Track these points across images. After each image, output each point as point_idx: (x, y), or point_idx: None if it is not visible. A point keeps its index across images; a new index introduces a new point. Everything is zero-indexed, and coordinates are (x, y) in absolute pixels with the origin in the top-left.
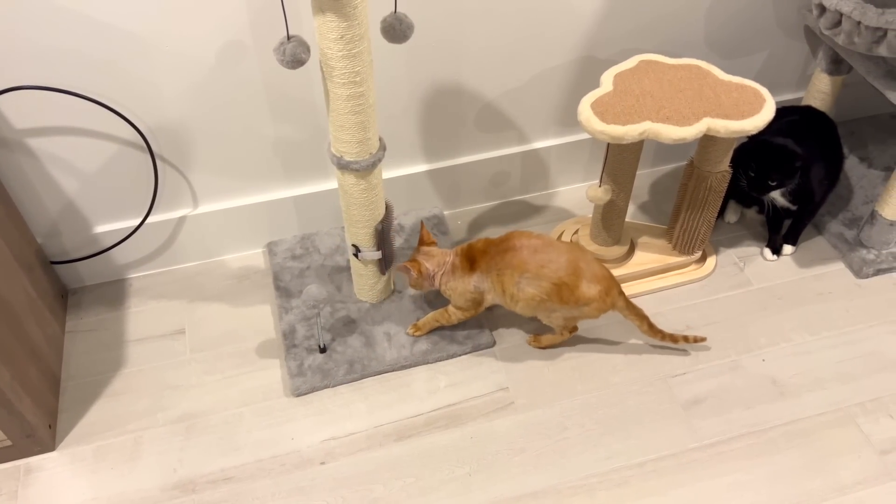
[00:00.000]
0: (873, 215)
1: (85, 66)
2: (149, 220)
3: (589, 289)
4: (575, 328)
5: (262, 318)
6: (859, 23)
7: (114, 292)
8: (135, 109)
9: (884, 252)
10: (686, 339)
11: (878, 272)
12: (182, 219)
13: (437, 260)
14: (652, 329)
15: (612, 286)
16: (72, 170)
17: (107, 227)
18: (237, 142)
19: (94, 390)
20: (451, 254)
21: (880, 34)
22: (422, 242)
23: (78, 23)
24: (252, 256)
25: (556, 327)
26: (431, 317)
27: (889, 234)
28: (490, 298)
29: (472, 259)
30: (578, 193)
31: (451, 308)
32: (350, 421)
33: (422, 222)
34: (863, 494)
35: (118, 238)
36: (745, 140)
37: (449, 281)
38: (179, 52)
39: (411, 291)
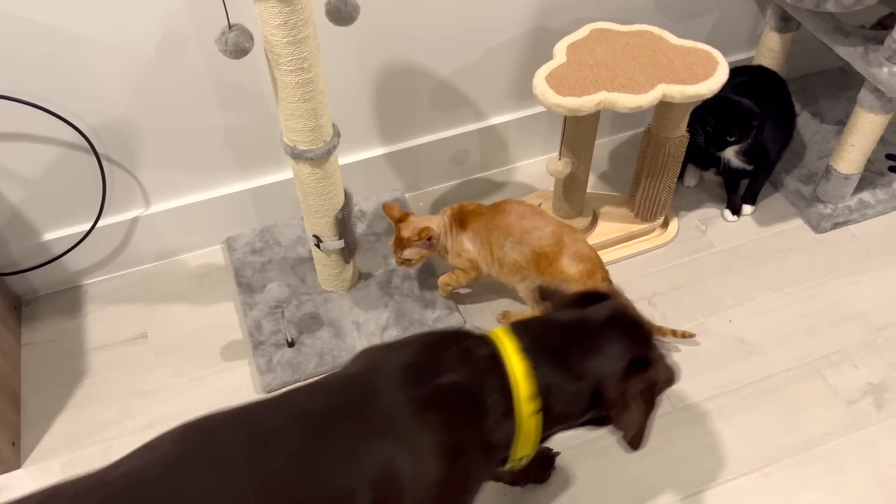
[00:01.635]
0: (828, 170)
1: (17, 68)
2: (100, 223)
3: (570, 266)
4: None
5: (226, 316)
6: None
7: (69, 300)
8: (74, 110)
9: (840, 206)
10: (674, 333)
11: (836, 226)
12: (135, 220)
13: (436, 221)
14: None
15: (597, 270)
16: (14, 177)
17: (57, 234)
18: (186, 136)
19: (57, 403)
20: (441, 215)
21: None
22: (399, 220)
23: (5, 22)
24: (211, 253)
25: (529, 303)
26: (442, 280)
27: (844, 187)
28: (481, 262)
29: (463, 218)
30: (539, 167)
31: (455, 271)
32: None
33: (384, 204)
34: (833, 445)
35: (69, 244)
36: (701, 109)
37: (447, 241)
38: (117, 47)
39: (378, 271)
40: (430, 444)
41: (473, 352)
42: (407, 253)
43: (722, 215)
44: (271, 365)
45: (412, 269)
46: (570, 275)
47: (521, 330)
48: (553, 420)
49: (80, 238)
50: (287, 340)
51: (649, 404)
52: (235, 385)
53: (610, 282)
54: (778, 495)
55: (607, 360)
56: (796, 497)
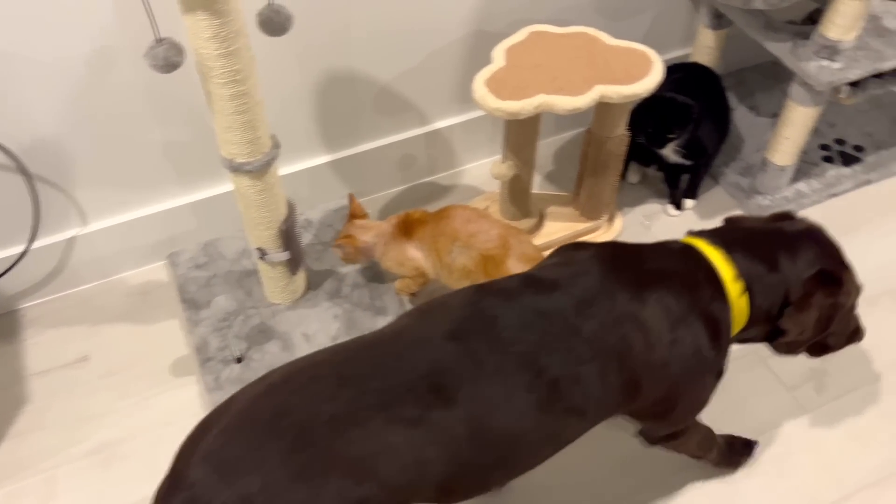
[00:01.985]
0: (764, 162)
1: None
2: (34, 245)
3: (516, 267)
4: None
5: (171, 334)
6: None
7: (6, 325)
8: (3, 128)
9: (777, 196)
10: None
11: None
12: (72, 240)
13: (375, 231)
14: None
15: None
16: None
17: None
18: (122, 152)
19: None
20: (387, 223)
21: None
22: (353, 216)
23: None
24: (153, 270)
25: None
26: (396, 286)
27: (780, 178)
28: (429, 269)
29: (408, 227)
30: (486, 169)
31: (401, 280)
32: None
33: (350, 195)
34: (778, 431)
35: (2, 268)
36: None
37: (388, 251)
38: (44, 62)
39: (327, 281)
40: (661, 310)
41: (668, 245)
42: (335, 248)
43: (665, 210)
44: (219, 382)
45: (353, 264)
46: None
47: (709, 234)
48: (755, 312)
49: (14, 261)
50: (235, 356)
51: (825, 320)
52: (183, 404)
53: None
54: (726, 483)
55: (799, 264)
56: (743, 484)
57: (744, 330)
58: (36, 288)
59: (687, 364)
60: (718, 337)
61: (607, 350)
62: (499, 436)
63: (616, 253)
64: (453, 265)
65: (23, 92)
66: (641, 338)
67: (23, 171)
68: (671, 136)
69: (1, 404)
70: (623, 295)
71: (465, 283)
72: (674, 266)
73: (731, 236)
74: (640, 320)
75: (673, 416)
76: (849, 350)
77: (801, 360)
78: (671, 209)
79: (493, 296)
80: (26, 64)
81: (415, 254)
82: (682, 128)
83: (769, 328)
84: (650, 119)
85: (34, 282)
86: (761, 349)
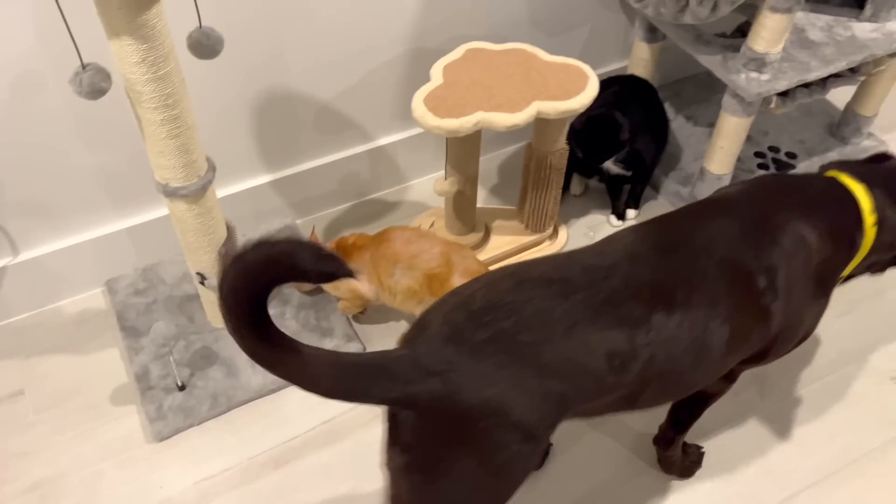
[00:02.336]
0: (702, 171)
1: None
2: None
3: (460, 282)
4: None
5: (110, 364)
6: None
7: None
8: None
9: None
10: None
11: None
12: (2, 270)
13: None
14: None
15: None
16: None
17: None
18: (52, 178)
19: None
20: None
21: (683, 3)
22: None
23: None
24: (91, 298)
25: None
26: (339, 307)
27: (718, 186)
28: (369, 292)
29: (344, 252)
30: (430, 184)
31: (342, 301)
32: (222, 457)
33: (313, 227)
34: (723, 436)
35: None
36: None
37: None
38: None
39: (272, 303)
40: (819, 229)
41: (818, 177)
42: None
43: (608, 221)
44: (161, 412)
45: (301, 290)
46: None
47: (850, 168)
48: (878, 245)
49: None
50: (177, 384)
51: None
52: (124, 436)
53: None
54: (674, 490)
55: None
56: (692, 489)
57: (863, 260)
58: None
59: (826, 286)
60: (849, 263)
61: (783, 266)
62: (704, 344)
63: (782, 181)
64: (396, 287)
65: None
66: (803, 256)
67: None
68: (605, 155)
69: None
70: (791, 216)
71: (409, 304)
72: (829, 194)
73: (872, 173)
74: (806, 241)
75: (790, 344)
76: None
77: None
78: (614, 220)
79: (680, 219)
80: None
81: (353, 284)
82: (616, 146)
83: (878, 261)
84: (585, 139)
85: None
86: None
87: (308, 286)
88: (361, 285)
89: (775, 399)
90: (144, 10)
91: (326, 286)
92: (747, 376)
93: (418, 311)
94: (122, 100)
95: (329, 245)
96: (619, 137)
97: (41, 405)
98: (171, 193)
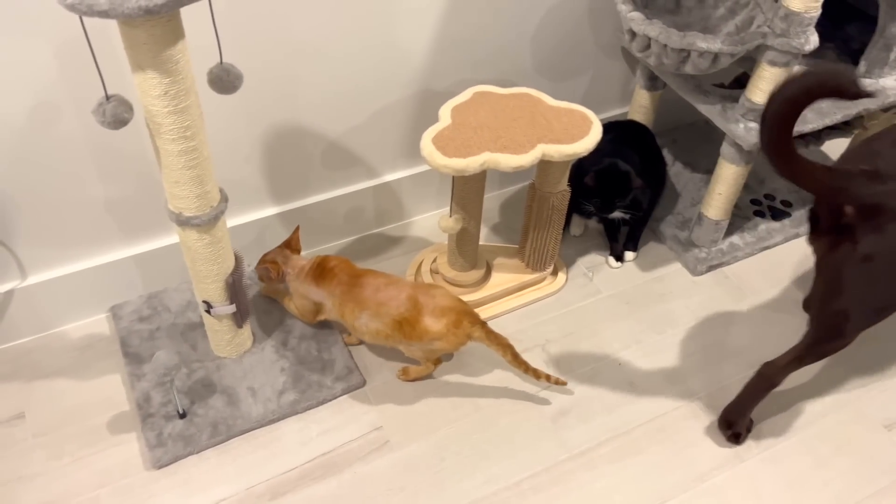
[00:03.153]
0: (700, 216)
1: None
2: None
3: (434, 323)
4: (439, 360)
5: (111, 390)
6: (665, 45)
7: None
8: None
9: (713, 249)
10: (548, 378)
11: (710, 268)
12: (9, 293)
13: (294, 264)
14: (516, 359)
15: (463, 318)
16: None
17: None
18: (64, 205)
19: None
20: (309, 262)
21: (684, 55)
22: (287, 246)
23: None
24: (95, 323)
25: (419, 359)
26: (290, 307)
27: (715, 232)
28: (329, 315)
29: (321, 272)
30: (433, 221)
31: (292, 302)
32: (220, 486)
33: (297, 227)
34: (718, 480)
35: None
36: (581, 165)
37: (293, 281)
38: None
39: (274, 334)
40: None
41: None
42: (257, 267)
43: (607, 262)
44: (161, 439)
45: (265, 288)
46: (436, 332)
47: None
48: None
49: None
50: (178, 411)
51: None
52: (122, 463)
53: (482, 324)
54: None
55: None
56: None
57: None
58: None
59: None
60: None
61: None
62: None
63: None
64: (363, 328)
65: None
66: None
67: None
68: (618, 204)
69: None
70: None
71: (379, 341)
72: None
73: None
74: None
75: None
76: (782, 399)
77: None
78: (612, 261)
79: None
80: None
81: (318, 296)
82: (626, 195)
83: None
84: (600, 192)
85: None
86: (702, 398)
87: (272, 283)
88: (325, 305)
89: (768, 443)
90: (169, 46)
91: (294, 293)
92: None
93: (402, 349)
94: (136, 131)
95: (318, 258)
96: (629, 186)
97: (40, 429)
98: (183, 223)
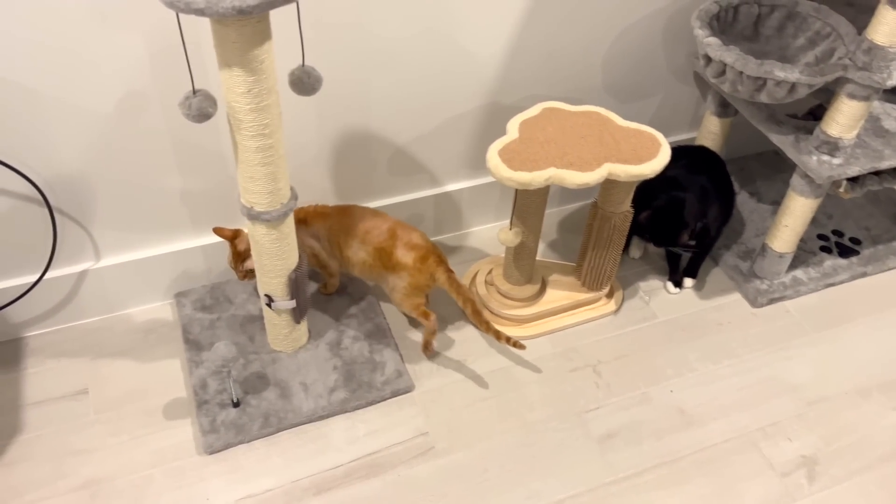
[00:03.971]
0: (764, 248)
1: None
2: (47, 275)
3: (404, 255)
4: (429, 313)
5: (170, 374)
6: (741, 73)
7: (8, 353)
8: (30, 162)
9: (775, 282)
10: (508, 340)
11: (772, 301)
12: (83, 273)
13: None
14: (476, 315)
15: (429, 255)
16: None
17: (0, 285)
18: (141, 193)
19: None
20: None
21: (760, 83)
22: (232, 238)
23: None
24: (159, 309)
25: (405, 311)
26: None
27: (779, 265)
28: (325, 256)
29: (306, 219)
30: (491, 233)
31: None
32: (266, 477)
33: (214, 228)
34: None
35: (13, 296)
36: (647, 187)
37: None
38: (77, 103)
39: (329, 333)
40: None
41: None
42: (248, 263)
43: (664, 287)
44: (214, 425)
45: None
46: (405, 263)
47: None
48: None
49: (26, 290)
50: (232, 400)
51: None
52: (175, 445)
53: (447, 268)
54: None
55: None
56: None
57: None
58: (42, 318)
59: None
60: None
61: None
62: None
63: None
64: (354, 259)
65: (52, 129)
66: None
67: (46, 203)
68: (677, 239)
69: None
70: None
71: (365, 274)
72: None
73: None
74: None
75: None
76: (841, 440)
77: (794, 447)
78: (671, 287)
79: None
80: (56, 102)
81: (311, 242)
82: (679, 235)
83: None
84: (652, 229)
85: (41, 311)
86: (754, 432)
87: (242, 269)
88: (320, 250)
89: (822, 485)
90: (257, 46)
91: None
92: (795, 460)
93: (373, 280)
94: (216, 127)
95: (300, 211)
96: (683, 228)
97: (101, 406)
98: (254, 217)
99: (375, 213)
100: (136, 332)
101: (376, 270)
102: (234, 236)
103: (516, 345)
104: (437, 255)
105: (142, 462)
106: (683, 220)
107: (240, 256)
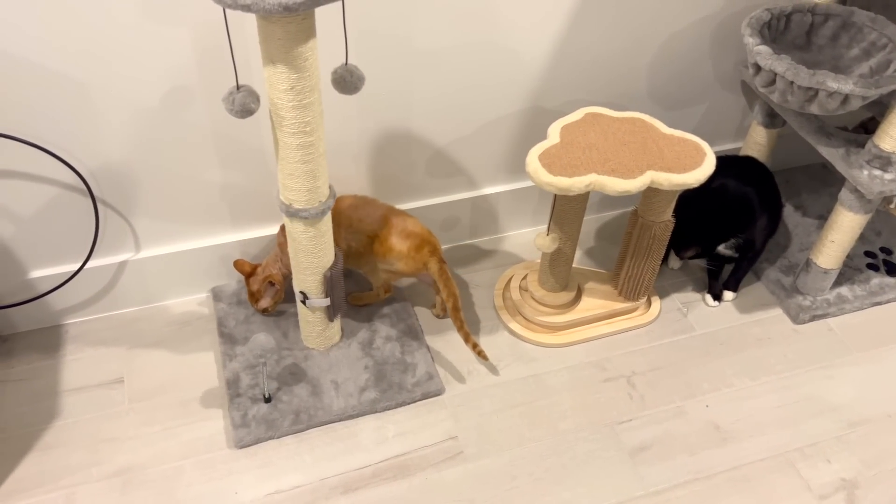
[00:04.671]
0: (808, 263)
1: (22, 109)
2: (88, 264)
3: (398, 243)
4: (391, 289)
5: (204, 366)
6: (792, 83)
7: (49, 339)
8: (76, 153)
9: (819, 298)
10: (475, 346)
11: (814, 318)
12: (123, 263)
13: (276, 266)
14: (455, 312)
15: (424, 245)
16: (7, 214)
17: (43, 272)
18: (183, 186)
19: (24, 444)
20: (277, 248)
21: (812, 94)
22: (248, 275)
23: (16, 67)
24: (196, 301)
25: (375, 282)
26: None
27: (823, 281)
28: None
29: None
30: (527, 238)
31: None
32: (295, 473)
33: (235, 261)
34: None
35: (55, 283)
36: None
37: (285, 270)
38: (123, 96)
39: (361, 332)
40: None
41: None
42: (262, 303)
43: (703, 300)
44: (246, 420)
45: (273, 311)
46: (400, 251)
47: None
48: None
49: (67, 278)
50: (264, 395)
51: None
52: (207, 438)
53: (440, 258)
54: None
55: None
56: None
57: None
58: (82, 306)
59: None
60: None
61: None
62: None
63: None
64: (349, 250)
65: (98, 121)
66: None
67: (90, 194)
68: (724, 238)
69: (33, 416)
70: None
71: (362, 267)
72: None
73: None
74: None
75: None
76: (883, 464)
77: (833, 469)
78: (710, 300)
79: None
80: (104, 95)
81: None
82: (736, 230)
83: None
84: (712, 220)
85: (82, 300)
86: (791, 452)
87: (258, 307)
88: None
89: None
90: (301, 43)
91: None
92: (834, 483)
93: (362, 267)
94: (257, 123)
95: (279, 235)
96: (745, 222)
97: (136, 395)
98: (292, 214)
99: (365, 200)
100: (172, 324)
101: (365, 258)
102: (250, 273)
103: (481, 353)
104: (431, 244)
105: (173, 453)
106: (730, 222)
107: (253, 296)
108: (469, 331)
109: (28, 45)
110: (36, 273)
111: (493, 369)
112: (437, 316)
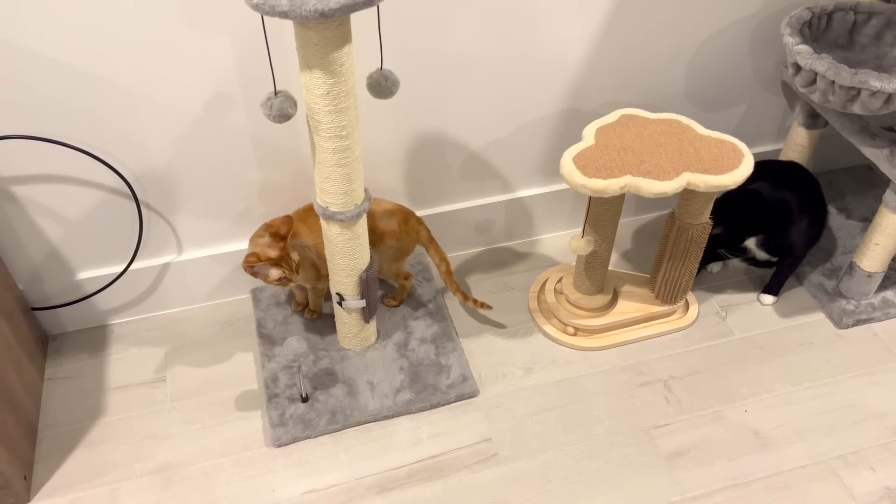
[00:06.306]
0: (852, 267)
1: (71, 115)
2: (132, 266)
3: (386, 223)
4: (409, 274)
5: (244, 366)
6: (833, 82)
7: (95, 339)
8: (121, 157)
9: (863, 303)
10: (475, 302)
11: (858, 322)
12: (166, 265)
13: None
14: (448, 274)
15: (410, 215)
16: (56, 217)
17: (90, 274)
18: (223, 190)
19: (71, 440)
20: (269, 239)
21: (854, 93)
22: (278, 235)
23: (64, 73)
24: (236, 303)
25: (388, 278)
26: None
27: (867, 285)
28: (319, 259)
29: (278, 235)
30: (562, 241)
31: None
32: (331, 473)
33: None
34: None
35: (101, 284)
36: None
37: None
38: (167, 102)
39: (397, 333)
40: None
41: None
42: (274, 273)
43: (758, 299)
44: (283, 419)
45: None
46: (391, 230)
47: None
48: None
49: (112, 279)
50: (301, 395)
51: None
52: (245, 436)
53: (426, 228)
54: None
55: None
56: None
57: None
58: (127, 307)
59: None
60: None
61: None
62: None
63: None
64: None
65: (142, 126)
66: None
67: (134, 198)
68: (749, 232)
69: (80, 413)
70: None
71: (306, 277)
72: None
73: None
74: None
75: None
76: None
77: (877, 477)
78: (766, 297)
79: None
80: (149, 103)
81: (296, 255)
82: (763, 226)
83: None
84: (736, 214)
85: (126, 300)
86: (834, 459)
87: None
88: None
89: None
90: (337, 49)
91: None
92: (879, 492)
93: (309, 281)
94: (294, 128)
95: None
96: (773, 220)
97: (177, 394)
98: (328, 216)
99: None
100: (213, 325)
101: (306, 273)
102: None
103: (483, 305)
104: (413, 214)
105: (213, 451)
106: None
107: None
108: (465, 292)
109: (78, 55)
110: (82, 275)
111: (526, 374)
112: (390, 306)
